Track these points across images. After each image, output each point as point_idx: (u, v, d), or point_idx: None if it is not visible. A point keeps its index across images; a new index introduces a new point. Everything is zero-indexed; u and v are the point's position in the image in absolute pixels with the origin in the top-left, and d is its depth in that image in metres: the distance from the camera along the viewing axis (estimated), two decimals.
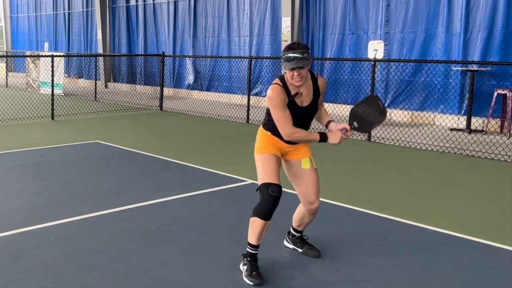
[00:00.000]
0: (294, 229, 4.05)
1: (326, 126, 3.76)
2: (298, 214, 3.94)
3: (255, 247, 3.61)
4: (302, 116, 3.63)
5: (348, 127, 3.59)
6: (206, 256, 3.93)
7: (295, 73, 3.42)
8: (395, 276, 3.65)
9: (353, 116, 3.63)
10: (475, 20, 10.74)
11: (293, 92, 3.54)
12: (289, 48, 3.42)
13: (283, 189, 3.60)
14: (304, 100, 3.61)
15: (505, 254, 4.11)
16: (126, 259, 3.84)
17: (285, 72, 3.51)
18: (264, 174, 3.58)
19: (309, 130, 3.72)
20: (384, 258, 3.96)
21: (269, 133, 3.70)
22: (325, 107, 3.94)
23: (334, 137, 3.55)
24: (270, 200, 3.48)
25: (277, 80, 3.58)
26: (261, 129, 3.77)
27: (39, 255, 3.88)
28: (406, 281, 3.58)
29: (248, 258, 3.59)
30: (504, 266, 3.85)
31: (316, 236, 4.29)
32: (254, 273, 3.50)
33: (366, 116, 3.63)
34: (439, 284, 3.54)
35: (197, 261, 3.83)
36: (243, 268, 3.60)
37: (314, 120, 3.80)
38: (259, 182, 3.59)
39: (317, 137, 3.54)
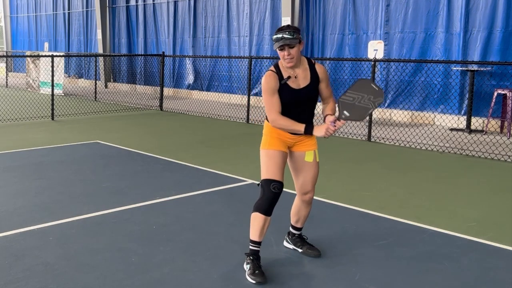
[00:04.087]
0: (293, 227, 4.06)
1: (324, 119, 3.74)
2: (295, 207, 3.98)
3: (257, 243, 3.63)
4: (300, 99, 3.63)
5: (336, 118, 3.49)
6: (206, 256, 3.93)
7: (285, 53, 3.53)
8: (395, 276, 3.65)
9: (342, 105, 3.49)
10: (475, 20, 10.74)
11: (285, 76, 3.59)
12: (279, 29, 3.54)
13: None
14: (301, 82, 3.64)
15: (505, 254, 4.11)
16: (126, 259, 3.84)
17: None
18: (267, 170, 3.61)
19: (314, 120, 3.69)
20: (384, 258, 3.96)
21: None
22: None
23: (319, 130, 3.53)
24: (270, 196, 3.53)
25: (272, 67, 3.67)
26: (265, 122, 3.78)
27: (39, 255, 3.88)
28: (406, 281, 3.58)
29: (251, 257, 3.60)
30: (504, 266, 3.85)
31: (316, 236, 4.29)
32: (257, 271, 3.51)
33: (358, 102, 3.48)
34: (439, 284, 3.54)
35: (197, 261, 3.83)
36: (246, 267, 3.61)
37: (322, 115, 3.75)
38: (262, 177, 3.62)
39: (302, 128, 3.54)
